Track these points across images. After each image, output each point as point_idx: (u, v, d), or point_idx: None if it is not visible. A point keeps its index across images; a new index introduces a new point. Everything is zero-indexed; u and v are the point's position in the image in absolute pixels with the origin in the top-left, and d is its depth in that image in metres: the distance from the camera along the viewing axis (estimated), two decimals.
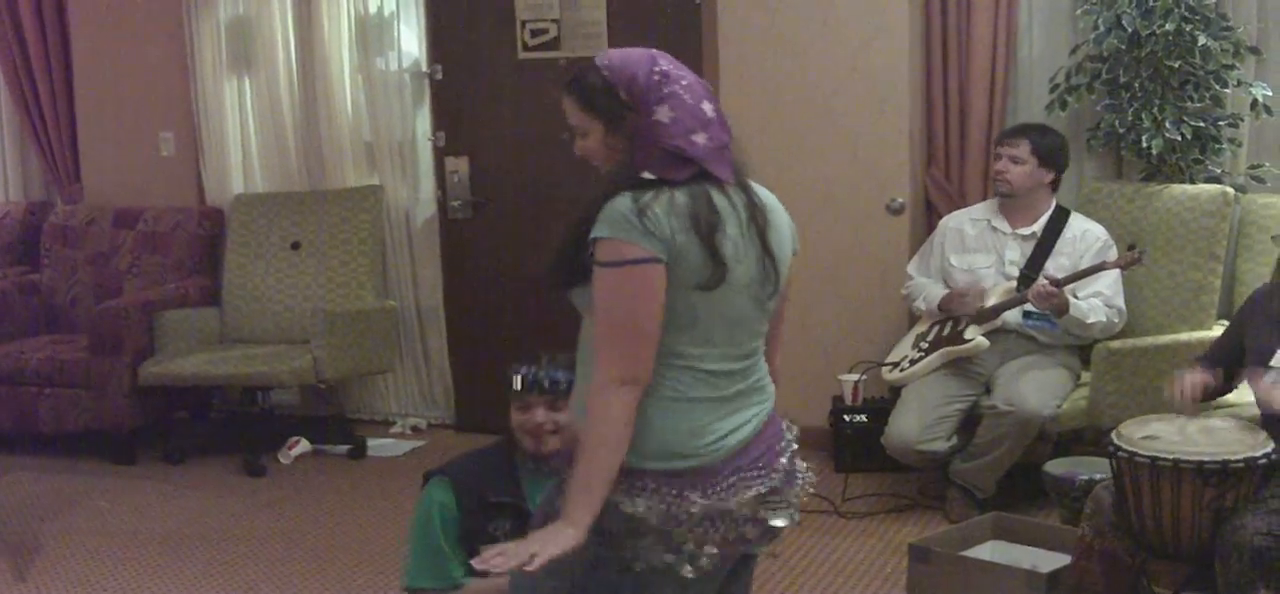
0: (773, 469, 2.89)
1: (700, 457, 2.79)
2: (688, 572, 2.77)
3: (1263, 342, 4.16)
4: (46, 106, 8.02)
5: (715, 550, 2.79)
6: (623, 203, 2.73)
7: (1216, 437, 3.92)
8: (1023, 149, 5.73)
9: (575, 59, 6.88)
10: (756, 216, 2.86)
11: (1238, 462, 3.77)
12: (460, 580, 3.81)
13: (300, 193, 7.53)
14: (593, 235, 2.74)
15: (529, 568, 2.66)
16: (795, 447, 3.01)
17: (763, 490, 2.85)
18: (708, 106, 2.86)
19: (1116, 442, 3.94)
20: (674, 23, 6.75)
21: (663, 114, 2.80)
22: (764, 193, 2.94)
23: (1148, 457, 3.83)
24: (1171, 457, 3.81)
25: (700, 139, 2.81)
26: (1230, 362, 4.29)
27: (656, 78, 2.83)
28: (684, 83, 2.85)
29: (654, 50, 2.91)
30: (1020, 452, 5.55)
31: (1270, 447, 3.82)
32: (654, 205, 2.72)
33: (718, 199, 2.80)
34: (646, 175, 2.78)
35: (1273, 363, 4.09)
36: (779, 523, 2.89)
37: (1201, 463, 3.78)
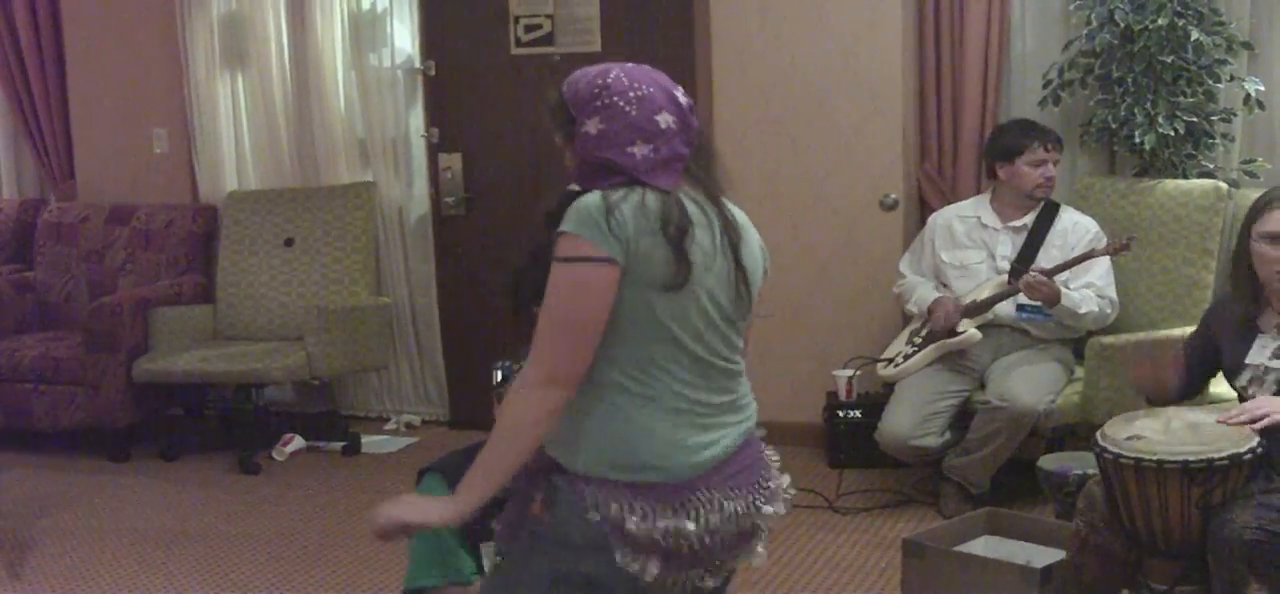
0: (745, 493, 2.85)
1: (668, 470, 2.75)
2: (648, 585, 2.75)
3: (1233, 350, 4.15)
4: (40, 103, 8.01)
5: (668, 573, 2.76)
6: (592, 200, 2.72)
7: (1202, 433, 3.89)
8: (1061, 154, 5.81)
9: (568, 55, 6.89)
10: (730, 230, 2.83)
11: (1222, 459, 3.74)
12: (470, 576, 3.80)
13: (294, 189, 7.53)
14: (559, 229, 2.72)
15: (384, 534, 2.72)
16: (775, 480, 2.95)
17: (733, 512, 2.81)
18: (665, 118, 2.80)
19: (1101, 443, 3.93)
20: (667, 19, 6.76)
21: (592, 126, 2.80)
22: (737, 212, 2.90)
23: (1132, 458, 3.82)
24: (1155, 457, 3.79)
25: (638, 151, 2.77)
26: (1203, 362, 4.28)
27: (596, 90, 2.82)
28: (632, 94, 2.80)
29: (617, 64, 2.88)
30: (1014, 447, 5.56)
31: (1255, 440, 3.80)
32: (622, 205, 2.71)
33: (690, 205, 2.77)
34: (573, 188, 2.80)
35: (1248, 360, 4.08)
36: (736, 562, 2.89)
37: (1186, 463, 3.75)
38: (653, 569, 2.73)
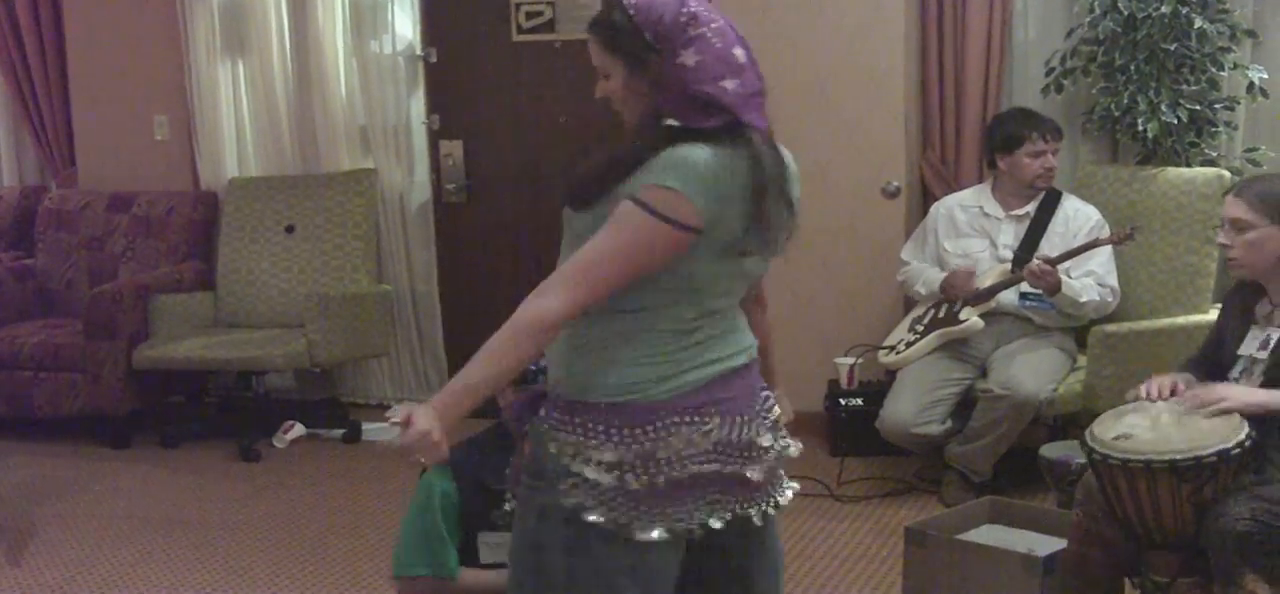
0: (730, 419, 2.74)
1: (649, 392, 2.67)
2: (638, 533, 2.67)
3: (1231, 340, 4.13)
4: (41, 90, 8.00)
5: (642, 510, 2.67)
6: (701, 157, 2.61)
7: (1190, 428, 3.84)
8: (1061, 144, 5.78)
9: (570, 42, 6.88)
10: (785, 173, 2.77)
11: (1210, 456, 3.70)
12: (453, 570, 3.79)
13: (295, 176, 7.52)
14: (661, 182, 2.59)
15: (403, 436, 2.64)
16: (773, 415, 2.87)
17: (721, 439, 2.72)
18: (740, 52, 2.71)
19: (1090, 443, 3.91)
20: None
21: (688, 57, 2.66)
22: (785, 152, 2.83)
23: (1119, 458, 3.80)
24: (1142, 457, 3.76)
25: (730, 85, 2.67)
26: (1214, 363, 4.25)
27: (684, 19, 2.68)
28: (714, 25, 2.69)
29: None
30: (1016, 435, 5.55)
31: (1244, 433, 3.76)
32: (728, 166, 2.62)
33: (768, 161, 2.69)
34: (671, 122, 2.67)
35: (1240, 351, 4.06)
36: (724, 470, 2.74)
37: (1173, 462, 3.72)
38: (611, 507, 2.66)
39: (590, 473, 2.67)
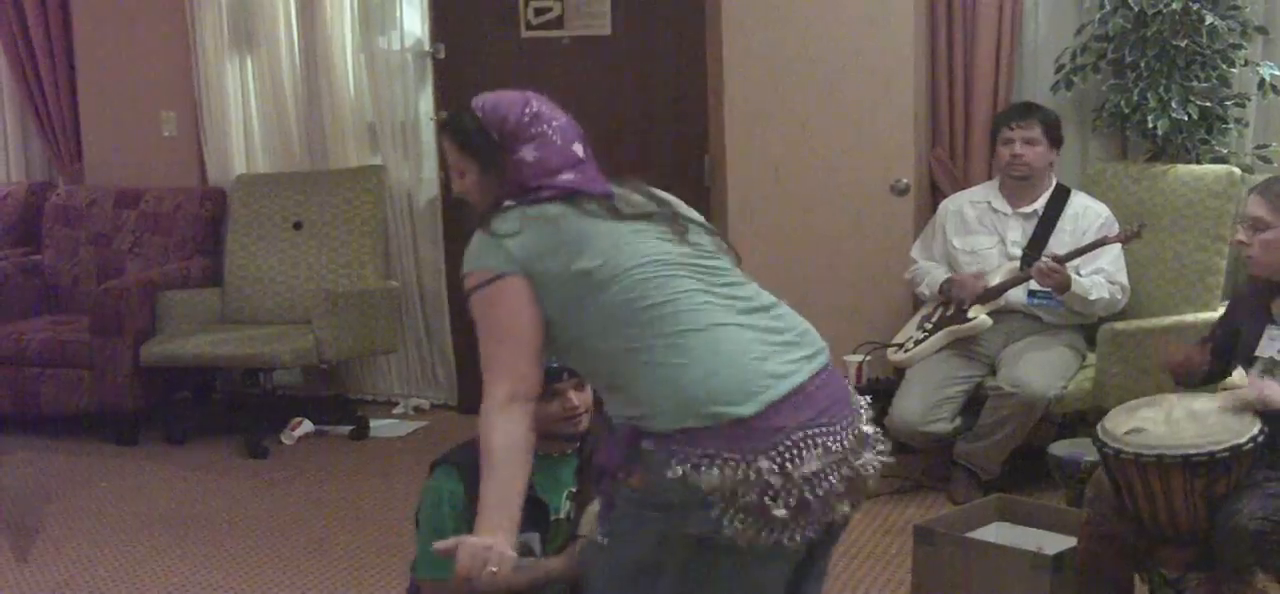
0: (835, 432, 2.80)
1: (735, 400, 2.71)
2: (762, 537, 2.71)
3: (1249, 334, 4.13)
4: (48, 86, 8.00)
5: (764, 527, 2.71)
6: (477, 235, 2.90)
7: (1203, 423, 3.83)
8: (1037, 130, 5.72)
9: (578, 38, 6.87)
10: (655, 192, 2.99)
11: (1223, 451, 3.70)
12: None
13: (302, 173, 7.51)
14: (466, 269, 2.90)
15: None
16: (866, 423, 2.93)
17: (827, 451, 2.76)
18: (578, 147, 2.98)
19: (1102, 437, 3.90)
20: (678, 2, 6.73)
21: (528, 153, 2.93)
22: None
23: (1132, 452, 3.79)
24: (1155, 451, 3.76)
25: (567, 177, 2.94)
26: (1225, 346, 4.25)
27: (527, 118, 2.97)
28: (555, 123, 2.98)
29: (529, 92, 3.03)
30: (1025, 433, 5.54)
31: (1257, 429, 3.75)
32: (502, 221, 2.87)
33: (619, 188, 2.96)
34: (508, 204, 2.92)
35: (1257, 353, 4.06)
36: (844, 508, 2.83)
37: (1187, 456, 3.72)
38: (743, 524, 2.69)
39: (737, 499, 2.69)
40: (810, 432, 2.74)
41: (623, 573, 2.84)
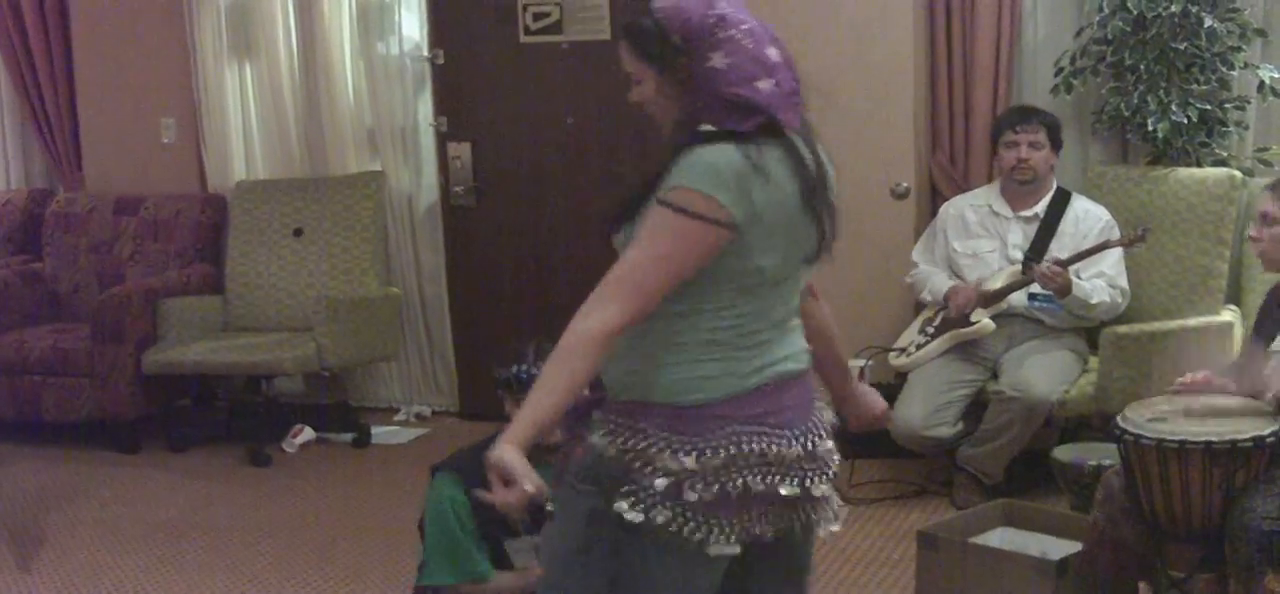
0: (791, 429, 2.71)
1: (704, 393, 2.63)
2: (695, 545, 2.61)
3: (1267, 335, 4.14)
4: (47, 94, 8.00)
5: (689, 521, 2.61)
6: (723, 154, 2.58)
7: (1223, 415, 3.90)
8: (1041, 133, 5.73)
9: (577, 43, 6.86)
10: (825, 175, 2.76)
11: (1246, 440, 3.75)
12: (486, 572, 3.79)
13: (302, 179, 7.51)
14: (684, 183, 2.57)
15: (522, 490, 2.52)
16: (824, 423, 2.84)
17: (772, 449, 2.67)
18: (773, 51, 2.69)
19: (1122, 425, 3.92)
20: None
21: (718, 60, 2.64)
22: (822, 151, 2.82)
23: (1154, 439, 3.81)
24: (1178, 438, 3.79)
25: (764, 86, 2.65)
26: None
27: (712, 21, 2.66)
28: (744, 26, 2.67)
29: None
30: (1028, 437, 5.54)
31: (1278, 423, 3.80)
32: (762, 165, 2.60)
33: (808, 160, 2.69)
34: (706, 127, 2.63)
35: (1274, 347, 4.07)
36: (785, 491, 2.69)
37: (1209, 443, 3.76)
38: (665, 515, 2.60)
39: (647, 479, 2.62)
40: (751, 428, 2.65)
41: (561, 551, 2.76)
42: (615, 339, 2.57)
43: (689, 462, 2.61)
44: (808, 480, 2.75)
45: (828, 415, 2.89)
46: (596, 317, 2.56)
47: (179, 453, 7.00)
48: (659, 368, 2.67)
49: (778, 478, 2.69)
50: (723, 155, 2.58)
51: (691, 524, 2.62)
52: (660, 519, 2.61)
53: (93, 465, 6.85)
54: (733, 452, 2.64)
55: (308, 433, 7.08)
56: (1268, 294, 4.31)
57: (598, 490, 2.67)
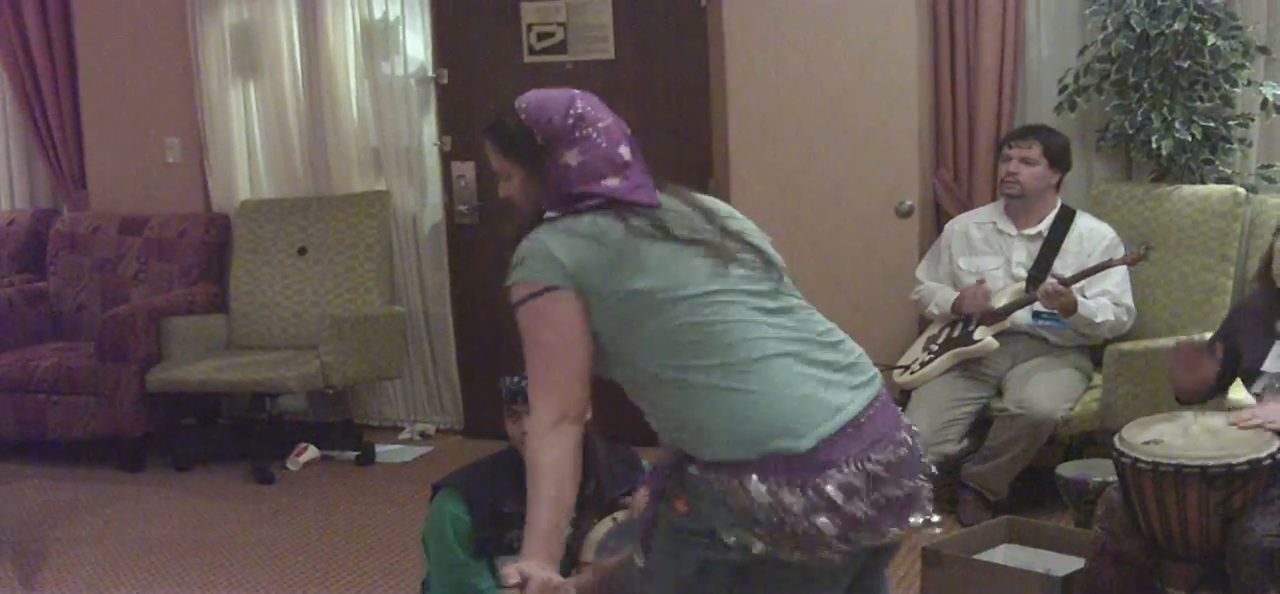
0: (882, 455, 2.74)
1: (794, 433, 2.66)
2: (805, 557, 2.65)
3: (1254, 351, 4.13)
4: (52, 114, 8.02)
5: (810, 551, 2.66)
6: (527, 243, 2.78)
7: (1221, 437, 3.87)
8: (1035, 150, 5.72)
9: (581, 62, 6.87)
10: (701, 204, 2.89)
11: (1242, 464, 3.73)
12: (488, 590, 3.79)
13: (307, 198, 7.52)
14: (507, 284, 2.77)
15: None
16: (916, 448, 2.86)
17: (873, 477, 2.71)
18: (624, 150, 2.87)
19: (1119, 447, 3.91)
20: (681, 25, 6.74)
21: (572, 158, 2.81)
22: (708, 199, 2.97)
23: (1149, 462, 3.79)
24: (1174, 462, 3.77)
25: (612, 183, 2.82)
26: (1226, 364, 4.25)
27: (571, 121, 2.83)
28: (600, 125, 2.86)
29: (575, 92, 2.91)
30: (1032, 454, 5.53)
31: (1276, 445, 3.78)
32: (551, 232, 2.76)
33: (670, 199, 2.86)
34: (550, 215, 2.81)
35: (1264, 367, 4.06)
36: (895, 529, 2.75)
37: (1205, 467, 3.73)
38: (786, 545, 2.64)
39: (733, 537, 2.67)
40: (862, 463, 2.69)
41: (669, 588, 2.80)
42: (563, 427, 2.72)
43: (821, 509, 2.65)
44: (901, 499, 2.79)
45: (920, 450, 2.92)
46: (533, 422, 2.76)
47: (183, 471, 7.00)
48: (696, 436, 2.73)
49: (885, 491, 2.74)
50: (530, 242, 2.78)
51: (818, 549, 2.66)
52: (797, 553, 2.66)
53: (96, 483, 6.86)
54: (857, 488, 2.68)
55: (312, 451, 7.08)
56: (1244, 303, 4.32)
57: (708, 543, 2.71)
